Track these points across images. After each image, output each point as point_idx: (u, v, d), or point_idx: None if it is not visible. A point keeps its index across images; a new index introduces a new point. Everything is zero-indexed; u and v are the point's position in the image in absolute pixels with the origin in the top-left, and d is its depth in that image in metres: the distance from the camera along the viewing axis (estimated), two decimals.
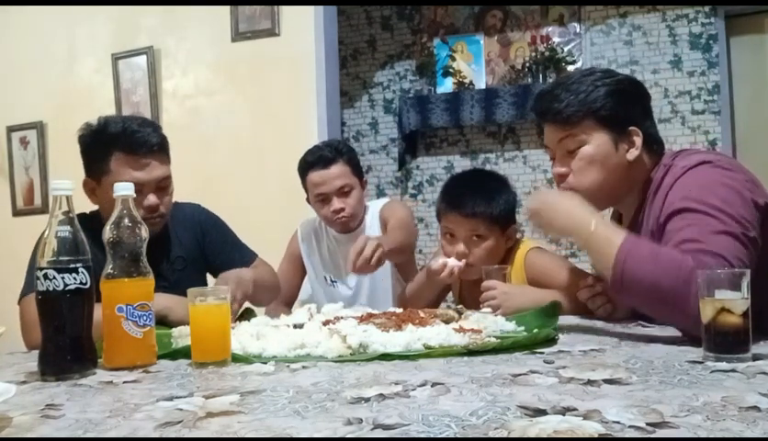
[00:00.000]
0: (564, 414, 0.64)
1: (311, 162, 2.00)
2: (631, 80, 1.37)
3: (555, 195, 1.31)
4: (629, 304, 1.27)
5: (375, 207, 2.14)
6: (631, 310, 1.37)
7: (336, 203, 1.98)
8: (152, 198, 1.52)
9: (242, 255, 1.77)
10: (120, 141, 1.49)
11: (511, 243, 1.70)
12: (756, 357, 0.88)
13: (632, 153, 1.28)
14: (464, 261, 1.60)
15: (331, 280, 2.13)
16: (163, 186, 1.56)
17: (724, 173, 1.16)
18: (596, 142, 1.27)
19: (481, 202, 1.63)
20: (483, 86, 4.28)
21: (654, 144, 1.32)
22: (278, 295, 1.88)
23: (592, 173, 1.28)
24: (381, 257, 1.62)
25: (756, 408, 0.64)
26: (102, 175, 1.50)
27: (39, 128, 3.35)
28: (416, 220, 4.24)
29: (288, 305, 2.13)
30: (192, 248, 1.70)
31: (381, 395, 0.76)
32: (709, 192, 1.13)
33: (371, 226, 2.09)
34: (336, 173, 1.97)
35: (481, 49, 4.36)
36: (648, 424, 0.60)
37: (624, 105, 1.28)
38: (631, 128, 1.28)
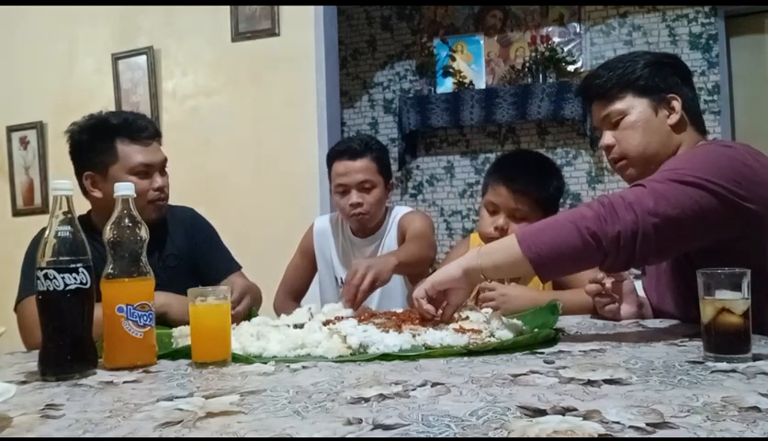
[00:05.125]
0: (564, 415, 0.64)
1: (339, 151, 1.99)
2: (671, 55, 1.40)
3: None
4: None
5: (398, 212, 2.08)
6: (633, 312, 1.38)
7: (354, 197, 1.95)
8: (159, 179, 1.62)
9: (226, 263, 1.78)
10: (124, 129, 1.59)
11: None
12: (756, 357, 0.88)
13: (672, 118, 1.29)
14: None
15: (342, 282, 2.06)
16: (164, 168, 1.67)
17: (716, 147, 1.19)
18: (636, 110, 1.30)
19: (532, 181, 1.63)
20: (483, 86, 4.28)
21: (698, 119, 1.33)
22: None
23: (635, 137, 1.30)
24: (375, 281, 1.53)
25: (756, 408, 0.64)
26: (108, 165, 1.56)
27: (39, 128, 3.35)
28: None
29: (297, 299, 2.12)
30: (183, 247, 1.72)
31: (381, 395, 0.76)
32: (690, 158, 1.17)
33: (391, 230, 2.05)
34: (360, 166, 1.95)
35: (481, 49, 4.36)
36: (648, 424, 0.60)
37: (661, 74, 1.31)
38: (669, 95, 1.29)
